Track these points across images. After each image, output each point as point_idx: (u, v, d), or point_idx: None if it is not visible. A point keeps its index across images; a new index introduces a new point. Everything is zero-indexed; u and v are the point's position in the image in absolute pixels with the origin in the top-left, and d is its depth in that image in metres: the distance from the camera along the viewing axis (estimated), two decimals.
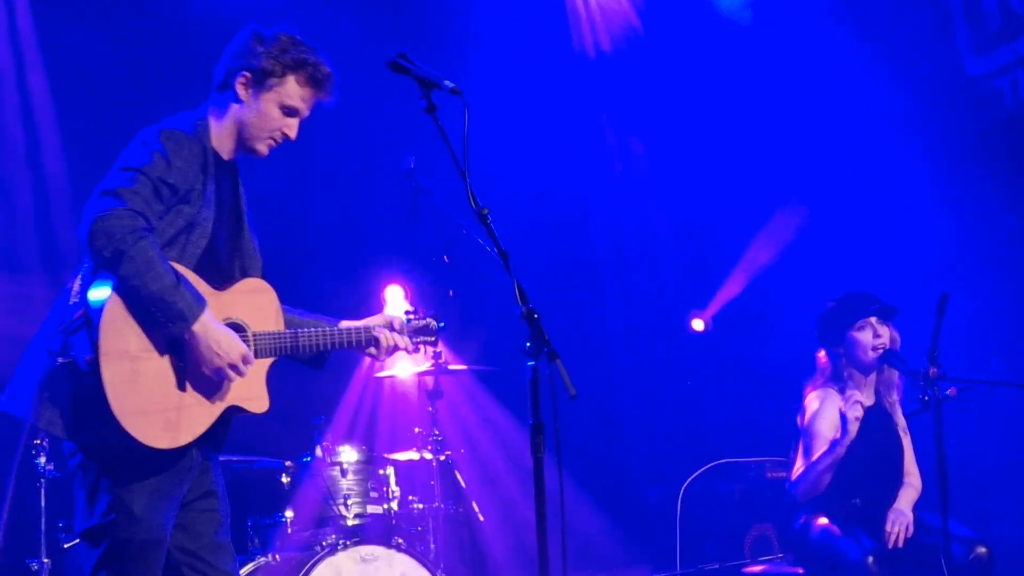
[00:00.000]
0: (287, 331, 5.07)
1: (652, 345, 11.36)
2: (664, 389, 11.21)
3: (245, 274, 5.06)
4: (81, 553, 4.81)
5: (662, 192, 11.25)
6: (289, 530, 7.75)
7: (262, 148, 5.00)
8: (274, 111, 4.95)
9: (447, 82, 4.56)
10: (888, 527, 6.93)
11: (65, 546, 7.49)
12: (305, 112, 5.04)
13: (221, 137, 4.95)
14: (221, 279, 4.92)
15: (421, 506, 8.22)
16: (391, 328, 5.27)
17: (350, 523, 7.77)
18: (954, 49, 9.58)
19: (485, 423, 10.22)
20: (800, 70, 10.21)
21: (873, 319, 7.19)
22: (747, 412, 10.11)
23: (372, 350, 5.25)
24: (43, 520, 7.30)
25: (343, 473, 7.84)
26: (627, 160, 11.31)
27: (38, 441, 7.28)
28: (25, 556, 7.38)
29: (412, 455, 8.51)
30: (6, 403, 4.79)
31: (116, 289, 4.56)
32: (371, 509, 7.89)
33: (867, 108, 10.01)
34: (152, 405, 4.62)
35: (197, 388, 4.76)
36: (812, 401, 7.30)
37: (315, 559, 7.35)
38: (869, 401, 7.23)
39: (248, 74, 4.92)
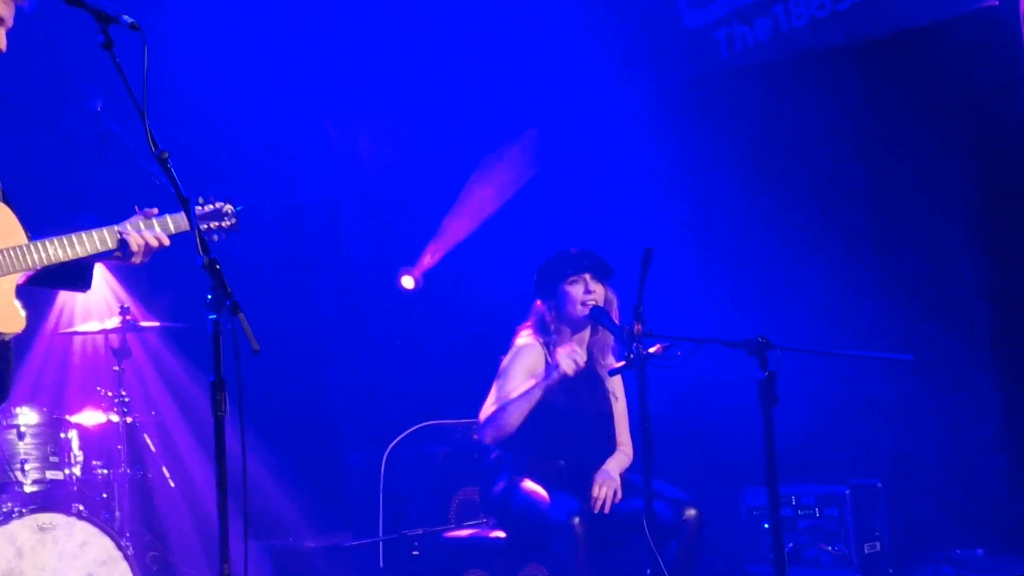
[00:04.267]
0: (23, 244, 4.94)
1: (361, 304, 11.35)
2: (373, 350, 11.23)
3: None
4: None
5: (374, 148, 11.22)
6: None
7: None
8: None
9: (125, 17, 4.43)
10: (594, 491, 7.05)
11: None
12: (8, 18, 4.95)
13: None
14: None
15: (106, 471, 8.10)
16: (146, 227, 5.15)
17: (28, 490, 7.63)
18: (672, 0, 9.79)
19: (176, 384, 10.07)
20: (514, 22, 10.27)
21: (587, 275, 7.32)
22: (457, 373, 10.19)
23: (118, 254, 5.15)
24: None
25: (20, 436, 7.66)
26: (338, 117, 11.23)
27: None
28: None
29: (98, 417, 8.37)
30: None
31: None
32: (51, 475, 7.74)
33: (584, 61, 10.12)
34: None
35: None
36: (519, 341, 7.47)
37: None
38: (583, 360, 7.43)
39: None
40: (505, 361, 7.46)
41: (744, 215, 9.58)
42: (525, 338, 7.47)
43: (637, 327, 6.34)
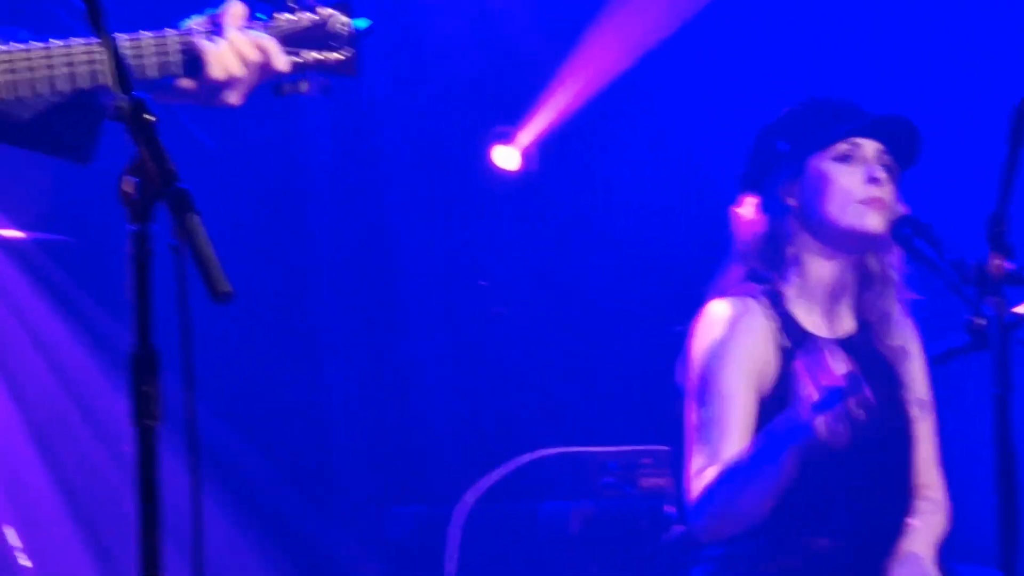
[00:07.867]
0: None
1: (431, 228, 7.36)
2: (432, 317, 7.16)
3: None
4: None
5: None
6: None
7: None
8: None
9: None
10: None
11: None
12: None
13: None
14: None
15: None
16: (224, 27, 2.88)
17: None
18: None
19: (51, 349, 6.68)
20: None
21: (869, 145, 4.07)
22: (599, 356, 6.75)
23: (185, 82, 2.93)
24: None
25: None
26: None
27: None
28: None
29: None
30: None
31: None
32: None
33: None
34: None
35: None
36: (711, 321, 4.10)
37: None
38: (845, 327, 4.17)
39: None
40: (695, 363, 4.06)
41: None
42: (727, 303, 4.08)
43: (997, 262, 3.27)
